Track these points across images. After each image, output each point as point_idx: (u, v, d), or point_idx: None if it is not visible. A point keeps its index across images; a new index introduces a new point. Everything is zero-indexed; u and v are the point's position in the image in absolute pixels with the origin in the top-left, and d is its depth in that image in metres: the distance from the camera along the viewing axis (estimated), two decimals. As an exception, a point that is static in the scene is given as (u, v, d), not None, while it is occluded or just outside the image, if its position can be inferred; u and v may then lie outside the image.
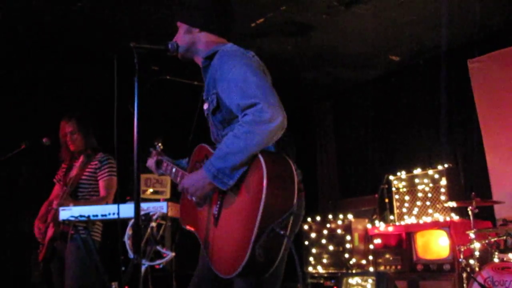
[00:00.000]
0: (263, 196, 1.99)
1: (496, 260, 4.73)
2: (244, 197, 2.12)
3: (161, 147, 2.98)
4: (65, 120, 4.39)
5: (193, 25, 2.48)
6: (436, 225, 5.79)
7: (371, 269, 6.06)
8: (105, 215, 3.38)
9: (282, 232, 2.02)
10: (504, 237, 4.95)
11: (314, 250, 6.61)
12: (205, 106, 2.47)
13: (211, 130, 2.55)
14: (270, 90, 2.16)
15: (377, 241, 6.18)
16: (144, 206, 3.26)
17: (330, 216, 6.85)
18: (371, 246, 6.23)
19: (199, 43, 2.49)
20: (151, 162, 2.94)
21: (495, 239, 4.96)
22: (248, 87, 2.14)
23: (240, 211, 2.11)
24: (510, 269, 4.56)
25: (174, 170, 2.68)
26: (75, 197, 4.14)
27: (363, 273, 5.85)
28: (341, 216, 6.63)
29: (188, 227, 2.49)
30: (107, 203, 4.04)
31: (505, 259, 4.74)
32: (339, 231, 6.44)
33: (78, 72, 6.35)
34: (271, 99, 2.10)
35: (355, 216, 6.57)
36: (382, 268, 6.05)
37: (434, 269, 5.62)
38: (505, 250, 4.90)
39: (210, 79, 2.40)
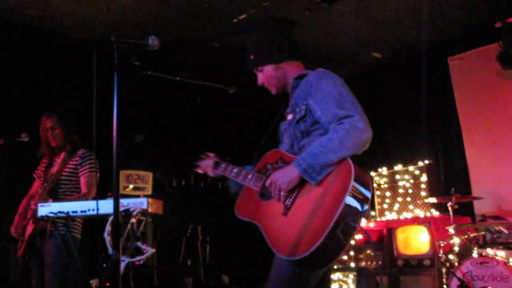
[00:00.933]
0: (346, 195, 2.25)
1: (475, 255, 4.80)
2: (326, 193, 2.33)
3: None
4: (46, 116, 4.35)
5: (279, 61, 2.76)
6: (416, 220, 5.85)
7: (352, 264, 6.09)
8: (85, 211, 3.35)
9: (354, 224, 2.31)
10: (483, 233, 5.02)
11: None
12: (289, 117, 2.70)
13: (284, 142, 2.77)
14: (362, 109, 2.49)
15: (359, 237, 6.22)
16: (124, 202, 3.24)
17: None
18: (353, 242, 6.26)
19: (288, 72, 2.78)
20: (207, 163, 3.08)
21: (474, 234, 5.03)
22: (345, 101, 2.47)
23: (319, 204, 2.32)
24: (488, 263, 4.62)
25: (236, 170, 2.86)
26: (55, 193, 4.10)
27: (344, 268, 5.88)
28: (323, 212, 6.64)
29: (244, 218, 2.65)
30: (87, 199, 4.01)
31: (483, 254, 4.81)
32: (321, 227, 6.45)
33: (58, 67, 6.28)
34: (364, 115, 2.45)
35: (336, 212, 6.58)
36: (363, 263, 6.10)
37: (415, 264, 5.68)
38: (484, 245, 4.97)
39: (301, 93, 2.66)
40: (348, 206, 2.27)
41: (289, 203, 2.44)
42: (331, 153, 2.34)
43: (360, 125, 2.37)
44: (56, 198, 4.04)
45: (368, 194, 2.38)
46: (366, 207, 2.39)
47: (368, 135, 2.39)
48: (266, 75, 2.79)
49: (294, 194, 2.45)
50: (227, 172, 2.92)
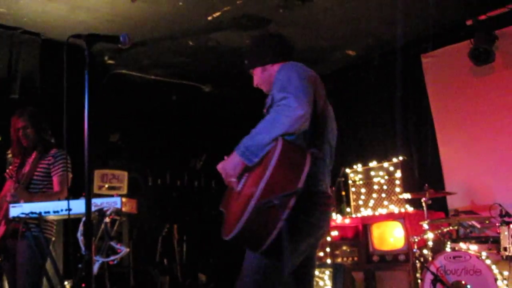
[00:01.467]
0: (269, 168, 2.25)
1: (448, 249, 4.87)
2: (258, 172, 2.38)
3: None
4: (16, 115, 4.28)
5: (266, 64, 2.89)
6: (391, 216, 5.91)
7: (329, 261, 6.12)
8: (57, 212, 3.31)
9: (276, 202, 2.23)
10: (456, 227, 5.10)
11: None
12: (264, 109, 2.74)
13: None
14: (305, 90, 2.48)
15: (334, 233, 6.26)
16: (97, 201, 3.20)
17: (288, 210, 6.88)
18: (329, 238, 6.30)
19: (274, 73, 2.79)
20: None
21: (448, 229, 5.11)
22: (288, 85, 2.49)
23: (252, 184, 2.36)
24: (461, 258, 4.70)
25: None
26: (28, 192, 4.04)
27: (321, 265, 5.90)
28: (299, 209, 6.66)
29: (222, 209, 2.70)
30: (59, 199, 3.95)
31: (456, 248, 4.88)
32: (297, 224, 6.47)
33: (29, 66, 6.19)
34: (301, 95, 2.43)
35: (312, 209, 6.61)
36: (339, 260, 6.13)
37: (390, 259, 5.73)
38: (456, 240, 5.06)
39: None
40: (272, 180, 2.25)
41: (240, 187, 2.52)
42: (263, 134, 2.40)
43: (292, 104, 2.38)
44: (30, 196, 3.98)
45: (300, 171, 2.31)
46: (297, 186, 2.30)
47: (300, 113, 2.37)
48: (257, 76, 2.93)
49: (243, 179, 2.53)
50: None
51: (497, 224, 4.82)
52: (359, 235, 6.10)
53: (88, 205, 2.05)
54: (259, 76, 2.92)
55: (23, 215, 3.39)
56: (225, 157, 2.63)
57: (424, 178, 6.37)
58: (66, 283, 5.04)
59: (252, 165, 2.43)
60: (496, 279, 4.46)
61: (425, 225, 5.12)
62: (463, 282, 4.64)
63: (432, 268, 4.76)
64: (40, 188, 4.13)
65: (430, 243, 5.09)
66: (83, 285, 3.17)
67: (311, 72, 2.74)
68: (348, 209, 6.54)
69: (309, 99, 2.47)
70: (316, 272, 5.74)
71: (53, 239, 4.21)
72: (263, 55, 2.90)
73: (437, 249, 5.13)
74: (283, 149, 2.30)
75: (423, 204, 5.17)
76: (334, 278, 5.49)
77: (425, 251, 5.19)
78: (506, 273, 4.59)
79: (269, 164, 2.28)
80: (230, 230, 2.31)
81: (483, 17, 6.09)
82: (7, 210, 3.69)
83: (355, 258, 6.05)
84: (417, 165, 6.74)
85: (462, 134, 6.43)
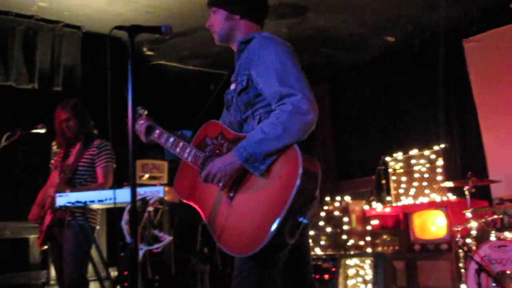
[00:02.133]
0: (297, 184, 2.05)
1: (493, 238, 4.76)
2: (273, 183, 2.15)
3: (146, 112, 2.85)
4: (60, 107, 4.37)
5: (235, 12, 2.55)
6: (433, 205, 5.82)
7: (369, 250, 6.09)
8: (102, 201, 3.38)
9: (304, 220, 2.11)
10: (501, 216, 4.98)
11: (312, 232, 6.63)
12: (232, 87, 2.50)
13: (229, 112, 2.57)
14: (307, 84, 2.25)
15: (375, 222, 6.21)
16: (141, 191, 3.26)
17: (328, 198, 6.87)
18: (369, 227, 6.26)
19: (239, 29, 2.56)
20: (141, 126, 2.80)
21: (492, 218, 4.99)
22: (288, 77, 2.24)
23: (267, 195, 2.15)
24: (507, 247, 4.59)
25: (172, 139, 2.63)
26: (72, 183, 4.14)
27: (361, 254, 5.88)
28: (338, 198, 6.65)
29: (187, 201, 2.46)
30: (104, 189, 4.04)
31: (501, 237, 4.78)
32: (336, 213, 6.46)
33: (72, 59, 6.31)
34: (308, 93, 2.21)
35: (352, 198, 6.59)
36: (380, 249, 6.09)
37: (432, 249, 5.66)
38: (501, 229, 4.94)
39: (244, 61, 2.47)
40: (297, 199, 2.06)
41: (232, 192, 2.27)
42: (274, 141, 2.15)
43: (303, 106, 2.15)
44: (73, 188, 4.07)
45: (316, 179, 2.18)
46: (315, 200, 2.21)
47: (312, 117, 2.18)
48: (215, 18, 2.59)
49: (236, 184, 2.27)
50: (162, 141, 2.67)
51: (543, 213, 4.70)
52: (400, 224, 6.05)
53: (133, 194, 2.08)
54: (219, 21, 2.57)
55: (69, 204, 3.47)
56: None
57: (467, 166, 6.25)
58: (110, 270, 5.16)
59: (259, 173, 2.19)
60: (543, 269, 4.35)
61: (469, 214, 5.01)
62: (508, 272, 4.54)
63: (477, 258, 4.67)
64: (85, 178, 4.22)
65: (474, 232, 4.99)
66: (125, 273, 3.24)
67: (291, 47, 2.43)
68: (388, 198, 6.47)
69: (313, 93, 2.24)
70: (357, 261, 5.71)
71: (98, 227, 4.30)
72: (238, 2, 2.55)
73: (481, 238, 5.03)
74: (303, 159, 2.10)
75: (466, 192, 5.06)
76: (375, 267, 5.45)
77: (468, 240, 5.09)
78: (553, 262, 4.47)
79: (289, 175, 2.10)
80: (251, 245, 2.10)
81: (528, -1, 5.90)
82: (53, 200, 3.79)
83: (396, 247, 5.99)
84: (460, 152, 6.61)
85: (506, 121, 6.27)
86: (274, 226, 2.04)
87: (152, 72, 7.20)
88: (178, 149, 2.57)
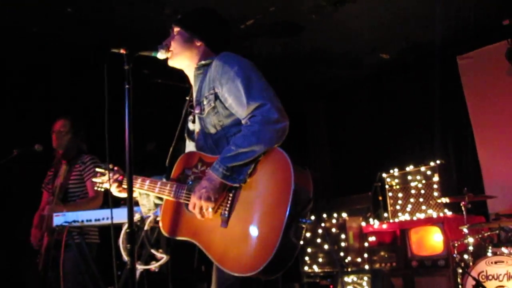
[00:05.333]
0: (292, 185, 2.06)
1: (490, 254, 4.77)
2: (267, 193, 2.15)
3: (113, 166, 2.73)
4: (62, 118, 4.40)
5: (198, 37, 2.57)
6: (429, 221, 5.83)
7: (367, 266, 6.08)
8: (99, 220, 3.39)
9: (307, 221, 2.14)
10: (497, 231, 4.99)
11: (309, 250, 6.63)
12: (197, 110, 2.48)
13: (195, 140, 2.56)
14: (274, 94, 2.27)
15: (372, 238, 6.21)
16: (137, 209, 3.25)
17: (325, 215, 6.87)
18: (366, 244, 6.25)
19: (198, 54, 2.57)
20: (111, 179, 2.69)
21: (489, 233, 5.00)
22: (254, 88, 2.25)
23: (264, 207, 2.14)
24: (503, 262, 4.59)
25: (148, 181, 2.57)
26: (66, 202, 4.14)
27: (359, 271, 5.87)
28: (335, 215, 6.65)
29: (181, 237, 2.38)
30: (95, 206, 4.03)
31: (498, 253, 4.78)
32: (333, 230, 6.46)
33: (70, 78, 6.34)
34: (276, 102, 2.24)
35: (349, 215, 6.59)
36: (377, 265, 6.08)
37: (429, 265, 5.64)
38: (498, 244, 4.94)
39: (206, 81, 2.46)
40: (295, 200, 2.07)
41: (226, 213, 2.22)
42: (249, 151, 2.16)
43: (273, 116, 2.17)
44: (66, 205, 4.07)
45: (308, 177, 2.20)
46: (311, 200, 2.20)
47: (283, 125, 2.20)
48: (178, 39, 2.57)
49: (228, 202, 2.23)
50: (137, 186, 2.58)
51: (540, 228, 4.71)
52: (397, 240, 6.04)
53: (130, 213, 2.09)
54: (181, 42, 2.55)
55: (66, 224, 3.48)
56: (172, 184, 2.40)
57: (463, 181, 6.26)
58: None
59: (239, 185, 2.20)
60: (540, 284, 4.36)
61: (465, 230, 5.03)
62: (505, 287, 4.54)
63: (474, 274, 4.67)
64: (78, 195, 4.22)
65: (471, 248, 5.00)
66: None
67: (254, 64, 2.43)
68: (385, 214, 6.48)
69: (280, 103, 2.25)
70: (354, 278, 5.70)
71: (98, 241, 4.27)
72: (203, 29, 2.58)
73: (478, 254, 5.03)
74: (296, 170, 2.10)
75: (463, 208, 5.08)
76: (373, 284, 5.45)
77: (465, 256, 5.09)
78: (550, 278, 4.47)
79: (282, 179, 2.11)
80: (254, 262, 2.07)
81: (520, 16, 5.98)
82: (48, 222, 3.78)
83: (393, 264, 5.98)
84: (455, 168, 6.64)
85: (501, 136, 6.31)
86: (280, 236, 2.03)
87: (149, 90, 7.22)
88: (157, 189, 2.52)
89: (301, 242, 2.19)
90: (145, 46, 2.48)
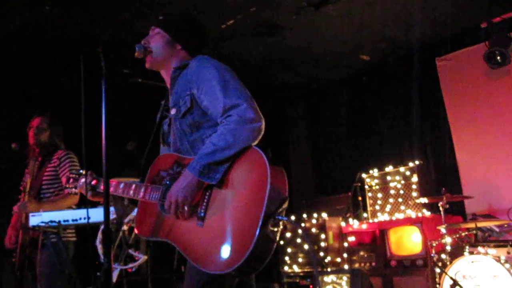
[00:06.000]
0: (268, 184, 2.09)
1: (466, 254, 4.82)
2: (243, 191, 2.18)
3: (85, 171, 2.73)
4: (39, 115, 4.35)
5: (178, 41, 2.60)
6: (408, 221, 5.87)
7: (346, 266, 6.11)
8: (76, 220, 3.36)
9: (284, 218, 2.15)
10: (474, 231, 5.05)
11: (289, 250, 6.64)
12: (173, 111, 2.50)
13: (171, 142, 2.57)
14: (250, 95, 2.31)
15: (351, 238, 6.24)
16: (115, 210, 3.23)
17: (305, 215, 6.89)
18: (346, 244, 6.28)
19: (176, 57, 2.61)
20: (85, 183, 2.72)
21: (466, 233, 5.06)
22: (230, 88, 2.29)
23: (239, 204, 2.16)
24: (480, 262, 4.65)
25: (122, 185, 2.57)
26: (39, 199, 4.09)
27: (338, 271, 5.89)
28: (315, 215, 6.67)
29: (154, 238, 2.39)
30: (71, 203, 3.99)
31: (475, 252, 4.84)
32: (313, 230, 6.48)
33: (47, 77, 6.27)
34: (252, 102, 2.27)
35: (329, 215, 6.61)
36: (356, 265, 6.11)
37: (408, 265, 5.69)
38: (475, 244, 5.00)
39: (183, 83, 2.48)
40: (271, 198, 2.10)
41: (202, 212, 2.24)
42: (225, 150, 2.19)
43: (249, 115, 2.21)
44: (40, 203, 4.02)
45: (283, 175, 2.24)
46: (286, 194, 2.23)
47: (259, 124, 2.23)
48: (156, 39, 2.59)
49: (204, 201, 2.25)
50: (112, 189, 2.60)
51: (515, 228, 4.78)
52: (377, 240, 6.07)
53: (106, 213, 2.07)
54: (160, 44, 2.57)
55: (43, 224, 3.44)
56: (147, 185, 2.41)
57: (441, 182, 6.32)
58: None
59: (216, 184, 2.22)
60: (515, 283, 4.41)
61: (443, 230, 5.08)
62: (482, 286, 4.60)
63: (451, 273, 4.72)
64: (52, 192, 4.17)
65: (448, 248, 5.05)
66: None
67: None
68: (365, 215, 6.51)
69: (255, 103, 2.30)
70: (334, 278, 5.72)
71: (74, 239, 4.22)
72: (184, 33, 2.61)
73: (455, 253, 5.08)
74: (267, 158, 2.15)
75: (441, 208, 5.13)
76: (352, 284, 5.47)
77: (443, 256, 5.14)
78: (525, 277, 4.53)
79: (257, 177, 2.13)
80: (231, 259, 2.08)
81: (498, 19, 6.05)
82: (22, 220, 3.74)
83: (373, 264, 6.01)
84: (434, 169, 6.70)
85: (478, 137, 6.39)
86: (256, 233, 2.05)
87: (129, 90, 7.18)
88: (131, 192, 2.53)
89: (278, 239, 2.20)
90: (122, 45, 2.46)
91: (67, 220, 3.41)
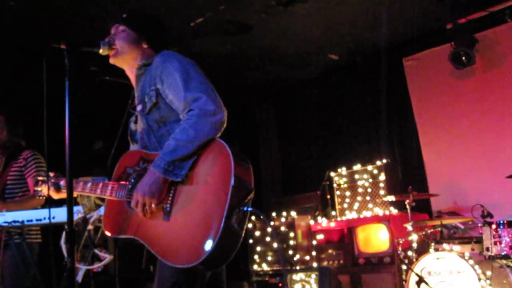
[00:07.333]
0: (232, 175, 2.10)
1: (432, 250, 4.90)
2: (208, 184, 2.18)
3: (51, 173, 2.73)
4: None
5: (143, 39, 2.60)
6: (376, 219, 5.94)
7: (315, 264, 6.15)
8: (40, 220, 3.29)
9: (248, 208, 2.16)
10: (440, 228, 5.14)
11: (258, 248, 6.64)
12: (139, 108, 2.50)
13: (138, 139, 2.57)
14: (212, 87, 2.31)
15: (320, 237, 6.28)
16: (80, 209, 3.19)
17: (274, 214, 6.91)
18: (314, 242, 6.32)
19: (142, 55, 2.60)
20: (50, 184, 2.71)
21: (431, 230, 5.14)
22: (192, 81, 2.29)
23: (205, 198, 2.16)
24: (445, 258, 4.73)
25: (89, 184, 2.56)
26: (3, 200, 4.00)
27: (307, 268, 5.93)
28: (284, 213, 6.69)
29: (122, 236, 2.37)
30: (37, 204, 3.91)
31: (440, 249, 4.92)
32: (282, 228, 6.50)
33: (9, 73, 6.15)
34: (213, 95, 2.28)
35: (298, 213, 6.64)
36: (325, 263, 6.15)
37: (375, 262, 5.76)
38: (440, 241, 5.09)
39: (148, 79, 2.48)
40: (236, 189, 2.10)
41: (168, 206, 2.24)
42: (187, 144, 2.19)
43: (210, 108, 2.21)
44: (4, 203, 3.94)
45: (249, 167, 2.25)
46: (252, 189, 2.23)
47: (221, 116, 2.24)
48: (122, 36, 2.57)
49: (170, 196, 2.25)
50: (79, 189, 2.59)
51: (479, 225, 4.87)
52: (345, 238, 6.13)
53: (69, 212, 2.04)
54: (126, 41, 2.56)
55: (6, 224, 3.36)
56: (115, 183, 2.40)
57: (408, 180, 6.41)
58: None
59: (181, 180, 2.22)
60: (479, 279, 4.50)
61: (409, 227, 5.15)
62: (447, 282, 4.68)
63: (417, 270, 4.79)
64: (17, 192, 4.09)
65: (415, 245, 5.14)
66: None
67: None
68: (333, 213, 6.56)
69: (218, 95, 2.31)
70: (302, 276, 5.75)
71: (39, 240, 4.14)
72: (149, 32, 2.62)
73: (421, 250, 5.17)
74: (232, 151, 2.16)
75: (407, 206, 5.21)
76: (320, 282, 5.51)
77: (409, 253, 5.23)
78: (489, 272, 4.63)
79: (221, 170, 2.14)
80: (196, 252, 2.07)
81: (463, 20, 6.17)
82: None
83: (341, 261, 6.07)
84: (401, 167, 6.78)
85: (444, 136, 6.50)
86: (221, 225, 2.05)
87: (97, 88, 7.09)
88: (98, 190, 2.52)
89: (245, 234, 2.21)
90: (87, 42, 2.43)
91: (31, 220, 3.34)
